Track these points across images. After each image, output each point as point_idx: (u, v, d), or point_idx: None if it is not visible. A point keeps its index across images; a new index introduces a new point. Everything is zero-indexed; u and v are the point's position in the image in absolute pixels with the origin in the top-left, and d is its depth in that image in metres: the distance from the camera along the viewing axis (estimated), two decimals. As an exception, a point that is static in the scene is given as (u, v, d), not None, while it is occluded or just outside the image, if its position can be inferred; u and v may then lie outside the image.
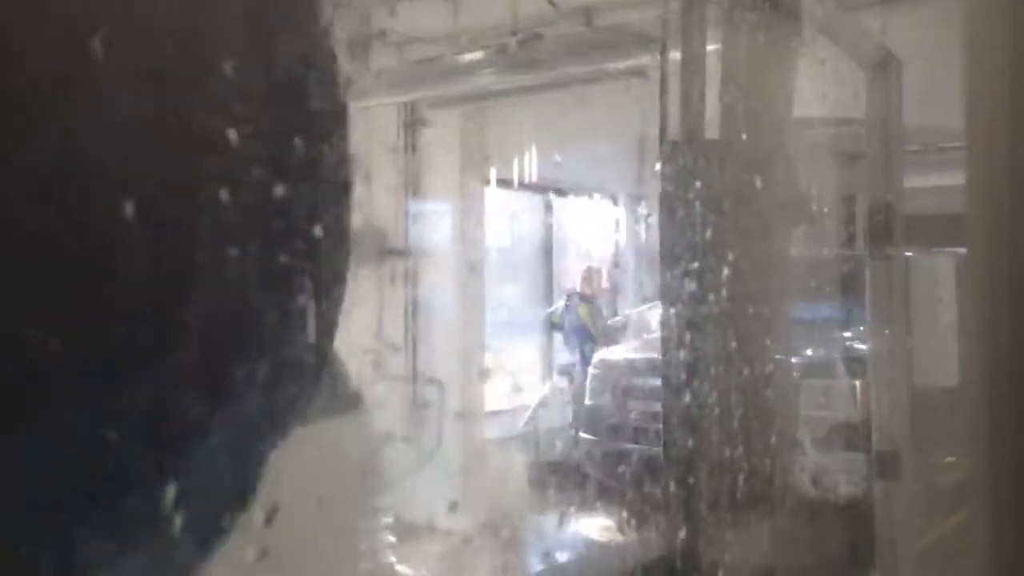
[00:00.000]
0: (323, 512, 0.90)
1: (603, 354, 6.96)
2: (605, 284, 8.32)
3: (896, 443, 3.56)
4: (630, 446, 5.95)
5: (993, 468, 3.13)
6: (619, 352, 6.92)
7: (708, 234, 1.79)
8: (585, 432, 6.52)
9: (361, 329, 6.45)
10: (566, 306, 8.04)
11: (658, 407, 6.13)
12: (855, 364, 4.73)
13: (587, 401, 6.70)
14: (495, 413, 7.45)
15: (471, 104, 6.31)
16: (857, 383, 4.76)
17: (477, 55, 5.16)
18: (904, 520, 3.46)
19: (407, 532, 5.41)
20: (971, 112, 3.25)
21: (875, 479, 3.58)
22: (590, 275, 8.08)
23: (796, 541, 2.56)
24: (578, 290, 8.03)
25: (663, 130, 1.87)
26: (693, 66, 1.79)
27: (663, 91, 1.88)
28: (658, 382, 6.34)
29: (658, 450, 5.79)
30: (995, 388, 3.14)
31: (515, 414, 7.51)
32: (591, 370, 6.79)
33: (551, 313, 8.23)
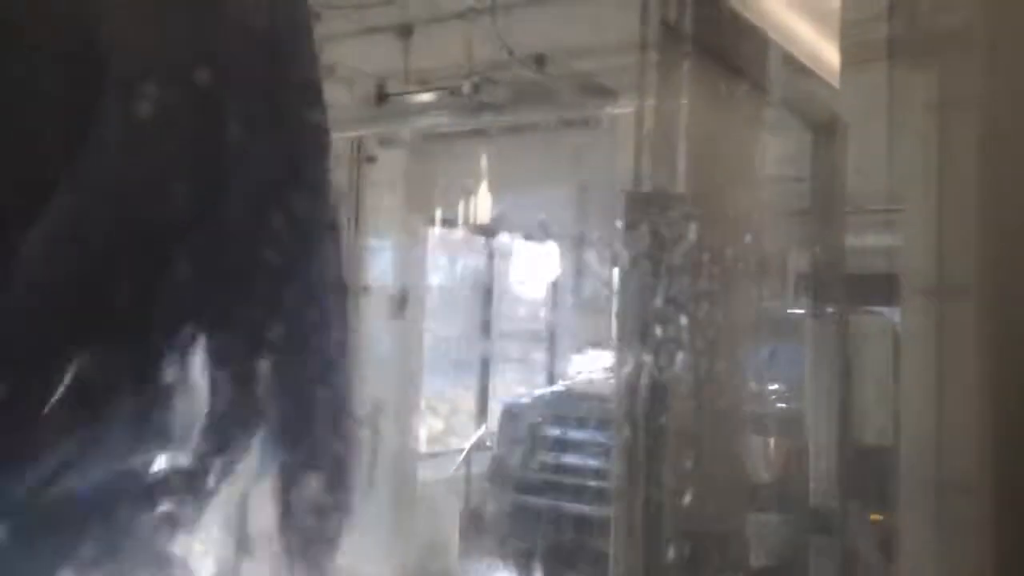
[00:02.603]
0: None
1: (509, 401, 6.78)
2: None
3: (831, 500, 3.60)
4: (534, 500, 5.74)
5: (925, 524, 3.14)
6: (527, 400, 6.73)
7: (671, 287, 1.79)
8: (491, 483, 6.32)
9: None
10: None
11: (567, 458, 6.01)
12: (789, 422, 4.76)
13: (494, 450, 6.52)
14: (429, 455, 7.33)
15: (420, 144, 6.30)
16: (783, 441, 4.78)
17: (429, 95, 5.16)
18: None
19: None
20: (903, 176, 3.33)
21: (809, 535, 3.61)
22: None
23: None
24: None
25: (635, 181, 1.88)
26: (664, 120, 1.80)
27: (636, 143, 1.89)
28: (569, 432, 6.22)
29: (568, 505, 5.67)
30: (927, 447, 3.18)
31: (449, 457, 7.41)
32: (499, 418, 6.63)
33: None
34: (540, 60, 4.70)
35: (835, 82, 3.70)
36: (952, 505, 2.97)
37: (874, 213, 4.87)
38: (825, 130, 3.22)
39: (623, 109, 3.86)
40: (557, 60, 4.54)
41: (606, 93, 4.07)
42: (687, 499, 2.13)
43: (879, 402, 3.85)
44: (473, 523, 6.64)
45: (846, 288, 3.68)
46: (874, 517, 4.04)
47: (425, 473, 7.07)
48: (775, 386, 5.07)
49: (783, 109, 2.98)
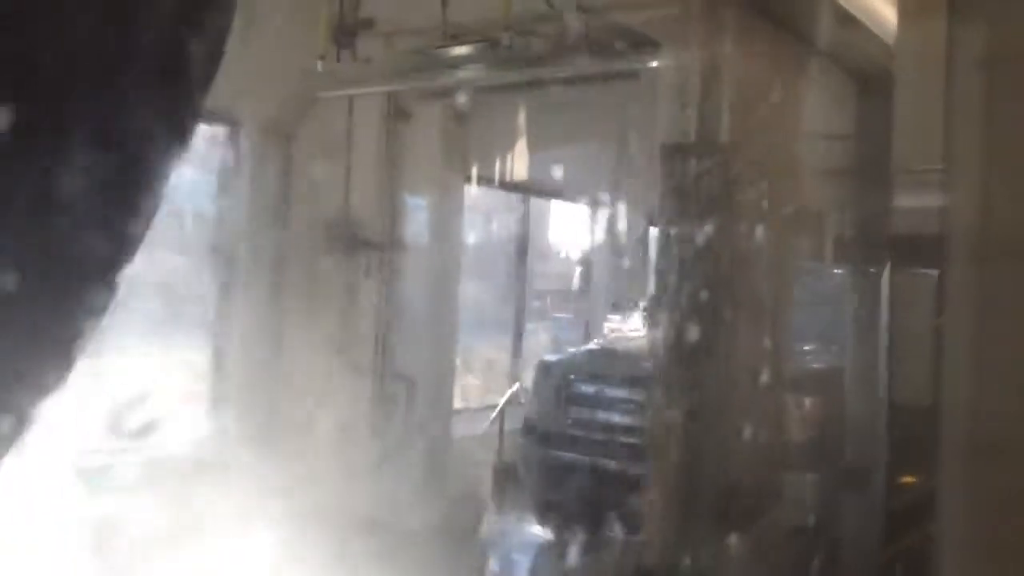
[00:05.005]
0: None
1: (543, 358, 6.79)
2: None
3: (866, 459, 3.58)
4: (566, 455, 5.77)
5: (960, 487, 3.12)
6: (561, 357, 6.74)
7: (708, 243, 1.77)
8: (525, 438, 6.37)
9: (331, 321, 6.37)
10: None
11: (600, 415, 6.03)
12: (827, 381, 4.71)
13: (528, 407, 6.56)
14: (464, 411, 7.39)
15: (457, 98, 6.25)
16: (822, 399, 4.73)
17: (467, 49, 5.11)
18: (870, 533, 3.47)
19: (362, 527, 5.32)
20: (950, 135, 3.25)
21: (843, 494, 3.60)
22: None
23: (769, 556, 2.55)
24: None
25: (677, 134, 1.84)
26: (707, 72, 1.77)
27: (678, 95, 1.85)
28: (603, 389, 6.20)
29: (601, 461, 5.68)
30: (966, 408, 3.14)
31: (483, 412, 7.47)
32: (533, 374, 6.66)
33: None
34: (581, 11, 4.62)
35: (886, 36, 3.60)
36: (989, 466, 2.94)
37: (922, 173, 4.75)
38: (873, 85, 3.14)
39: (665, 61, 3.79)
40: (598, 11, 4.46)
41: (648, 45, 4.00)
42: (722, 456, 2.13)
43: (920, 363, 3.80)
44: (506, 478, 6.70)
45: (890, 248, 3.62)
46: (908, 479, 4.00)
47: (459, 428, 7.14)
48: (814, 345, 5.02)
49: (830, 63, 2.91)
